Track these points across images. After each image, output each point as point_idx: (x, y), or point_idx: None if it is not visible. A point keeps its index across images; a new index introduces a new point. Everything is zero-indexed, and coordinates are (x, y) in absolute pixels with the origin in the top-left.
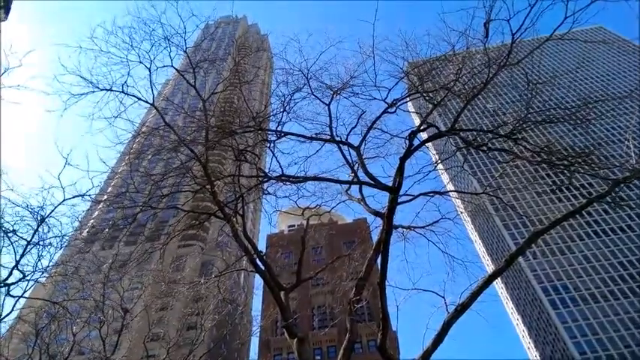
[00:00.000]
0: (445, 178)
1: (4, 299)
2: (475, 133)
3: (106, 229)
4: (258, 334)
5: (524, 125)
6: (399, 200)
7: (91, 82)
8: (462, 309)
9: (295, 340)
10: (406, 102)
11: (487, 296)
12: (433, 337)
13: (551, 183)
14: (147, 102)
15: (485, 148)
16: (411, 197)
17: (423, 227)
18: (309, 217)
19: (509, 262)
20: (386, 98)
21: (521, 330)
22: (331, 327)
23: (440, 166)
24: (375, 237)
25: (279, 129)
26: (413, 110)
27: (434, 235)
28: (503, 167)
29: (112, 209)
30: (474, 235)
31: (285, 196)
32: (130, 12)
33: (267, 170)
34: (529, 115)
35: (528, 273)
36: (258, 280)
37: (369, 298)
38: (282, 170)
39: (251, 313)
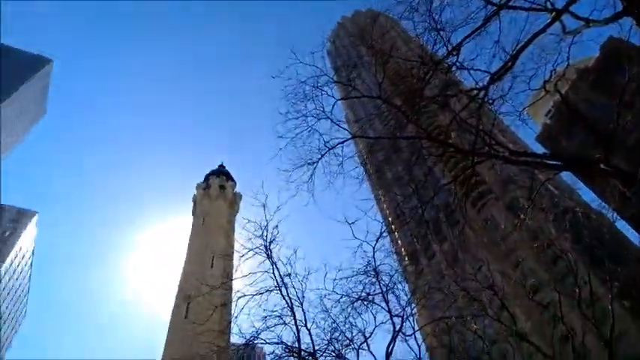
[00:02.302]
0: None
1: None
2: None
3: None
4: None
5: None
6: None
7: (307, 163)
8: None
9: None
10: None
11: None
12: None
13: None
14: (349, 139)
15: None
16: None
17: None
18: (555, 84)
19: None
20: None
21: None
22: None
23: None
24: None
25: (449, 49)
26: None
27: None
28: None
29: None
30: None
31: (516, 92)
32: (282, 91)
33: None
34: None
35: None
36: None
37: None
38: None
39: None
